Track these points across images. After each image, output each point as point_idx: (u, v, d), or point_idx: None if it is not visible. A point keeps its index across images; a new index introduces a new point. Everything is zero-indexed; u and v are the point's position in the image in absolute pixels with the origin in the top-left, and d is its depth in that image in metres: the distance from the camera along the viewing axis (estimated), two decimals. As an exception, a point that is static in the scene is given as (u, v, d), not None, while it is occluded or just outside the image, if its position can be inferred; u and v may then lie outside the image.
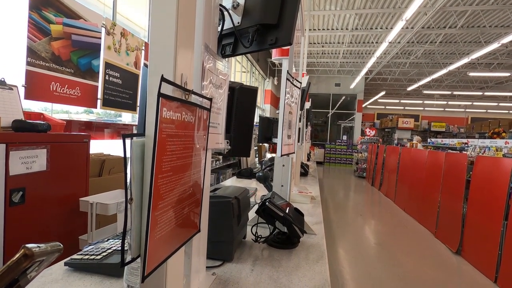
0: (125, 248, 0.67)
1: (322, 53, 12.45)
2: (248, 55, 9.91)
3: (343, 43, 10.92)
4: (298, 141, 2.81)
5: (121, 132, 4.05)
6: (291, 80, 1.34)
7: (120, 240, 0.97)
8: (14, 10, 2.48)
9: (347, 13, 8.27)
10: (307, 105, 4.27)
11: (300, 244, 1.17)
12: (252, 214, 1.34)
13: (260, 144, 6.90)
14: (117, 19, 3.72)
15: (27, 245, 0.42)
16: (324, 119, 16.71)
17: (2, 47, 2.46)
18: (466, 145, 7.70)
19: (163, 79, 0.47)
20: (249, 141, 1.11)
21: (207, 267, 0.89)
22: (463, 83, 14.96)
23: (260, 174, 1.86)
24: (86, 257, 0.84)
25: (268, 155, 6.16)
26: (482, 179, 3.58)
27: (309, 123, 5.41)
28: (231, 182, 2.92)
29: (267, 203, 1.07)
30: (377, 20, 8.69)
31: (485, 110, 17.99)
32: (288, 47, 1.78)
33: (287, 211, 1.10)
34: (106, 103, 3.26)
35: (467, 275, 3.26)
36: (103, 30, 3.11)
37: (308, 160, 5.54)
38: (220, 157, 5.10)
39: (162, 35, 0.56)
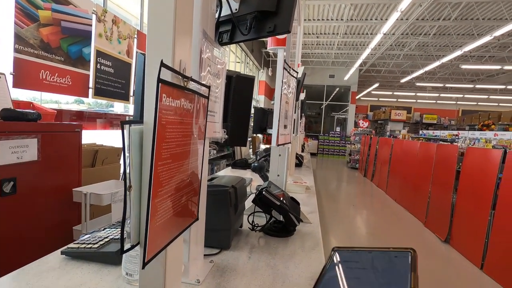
0: (124, 236, 0.67)
1: (316, 44, 12.37)
2: (243, 45, 9.79)
3: (338, 34, 10.86)
4: (293, 132, 2.82)
5: (113, 122, 4.00)
6: (288, 70, 1.33)
7: (118, 229, 0.97)
8: (0, -6, 2.38)
9: (342, 3, 8.20)
10: (302, 96, 4.26)
11: (296, 233, 1.19)
12: (247, 203, 1.35)
13: (254, 135, 6.90)
14: (108, 6, 3.62)
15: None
16: (318, 111, 16.75)
17: (-12, 33, 2.38)
18: (457, 137, 7.83)
19: (162, 65, 0.47)
20: (246, 130, 1.11)
21: (205, 255, 0.90)
22: (455, 76, 15.11)
23: (256, 164, 1.87)
24: (83, 246, 0.83)
25: (262, 146, 6.17)
26: (472, 170, 3.67)
27: (303, 114, 5.42)
28: (226, 173, 2.92)
29: (263, 192, 1.07)
30: (372, 11, 8.65)
31: (475, 103, 18.26)
32: (285, 36, 1.76)
33: (283, 200, 1.11)
34: (98, 93, 3.20)
35: (455, 263, 3.37)
36: (93, 17, 3.03)
37: (302, 151, 5.57)
38: (215, 146, 5.09)
39: (160, 20, 0.54)
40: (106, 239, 0.88)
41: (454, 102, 18.52)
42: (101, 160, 2.82)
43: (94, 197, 2.11)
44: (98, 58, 3.15)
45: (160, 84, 0.46)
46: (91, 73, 3.06)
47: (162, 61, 0.46)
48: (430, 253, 3.64)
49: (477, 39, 8.17)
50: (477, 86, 15.76)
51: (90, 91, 3.09)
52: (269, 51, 11.47)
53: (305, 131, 9.09)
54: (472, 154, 3.74)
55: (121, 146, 3.25)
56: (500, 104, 17.77)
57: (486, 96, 17.49)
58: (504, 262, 2.91)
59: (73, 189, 2.12)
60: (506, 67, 11.09)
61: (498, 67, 11.18)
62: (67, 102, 3.71)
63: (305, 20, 9.24)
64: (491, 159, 3.33)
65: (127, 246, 0.55)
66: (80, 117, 3.38)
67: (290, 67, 1.38)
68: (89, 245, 0.83)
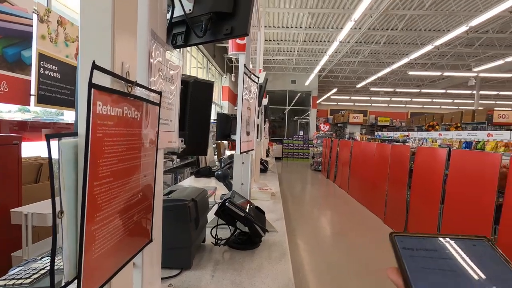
0: (60, 267, 0.56)
1: (278, 50, 12.66)
2: (204, 50, 9.66)
3: (297, 41, 11.23)
4: (257, 138, 2.79)
5: (62, 132, 3.64)
6: (248, 75, 1.30)
7: (59, 257, 0.84)
8: None
9: (300, 12, 8.50)
10: (265, 101, 4.29)
11: (262, 243, 1.14)
12: (211, 215, 1.28)
13: (219, 141, 6.79)
14: (52, 6, 3.31)
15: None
16: (281, 115, 17.09)
17: None
18: (408, 138, 8.47)
19: (95, 66, 0.39)
20: (206, 139, 1.04)
21: (162, 278, 0.81)
22: (404, 81, 16.46)
23: (219, 172, 1.80)
24: (12, 282, 0.70)
25: (227, 152, 6.09)
26: (422, 168, 3.96)
27: (267, 119, 5.45)
28: (190, 182, 2.80)
29: (227, 203, 1.01)
30: (329, 19, 9.09)
31: (422, 106, 20.06)
32: (244, 42, 1.73)
33: (248, 210, 1.06)
34: (42, 100, 2.88)
35: (411, 256, 3.59)
36: (35, 17, 2.74)
37: (267, 156, 5.60)
38: (174, 156, 4.81)
39: (95, 15, 0.47)
40: (43, 271, 0.75)
41: (404, 105, 20.15)
42: (47, 175, 2.54)
43: (38, 218, 1.87)
44: (41, 62, 2.85)
45: (92, 89, 0.39)
46: (33, 78, 2.75)
47: (94, 62, 0.39)
48: (389, 247, 3.82)
49: (420, 48, 8.98)
50: (423, 90, 17.33)
51: (32, 99, 2.78)
52: (231, 56, 11.48)
53: (269, 136, 9.19)
54: (422, 153, 4.04)
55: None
56: (442, 107, 19.73)
57: (430, 100, 19.29)
58: (454, 252, 3.15)
59: (11, 210, 1.86)
60: (446, 74, 12.35)
61: (439, 73, 12.40)
62: (10, 111, 3.31)
63: (265, 27, 9.40)
64: (438, 157, 3.62)
65: (63, 281, 0.46)
66: (23, 127, 3.03)
67: (250, 72, 1.35)
68: (20, 281, 0.70)
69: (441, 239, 0.34)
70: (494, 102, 18.64)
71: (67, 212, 0.45)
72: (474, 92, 13.80)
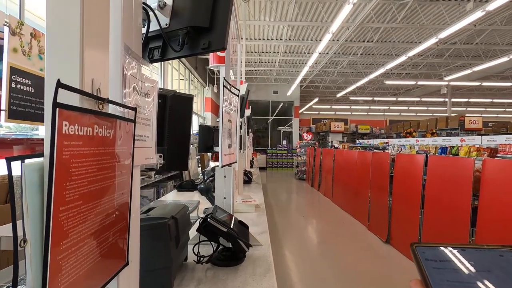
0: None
1: (259, 62, 12.85)
2: (186, 62, 9.64)
3: (278, 52, 11.46)
4: (240, 149, 2.78)
5: (36, 148, 3.48)
6: (228, 88, 1.30)
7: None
8: None
9: (280, 24, 8.72)
10: (247, 112, 4.30)
11: (246, 258, 1.12)
12: (194, 231, 1.24)
13: (202, 153, 6.70)
14: (25, 18, 3.21)
15: None
16: (264, 126, 17.21)
17: None
18: (387, 144, 8.73)
19: (60, 85, 0.37)
20: (186, 153, 1.02)
21: (141, 302, 0.77)
22: (381, 90, 17.10)
23: (202, 186, 1.77)
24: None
25: (211, 164, 6.01)
26: (402, 174, 4.07)
27: (250, 130, 5.46)
28: (172, 196, 2.73)
29: (208, 219, 0.99)
30: (308, 32, 9.36)
31: (399, 113, 20.84)
32: (224, 54, 1.74)
33: (230, 225, 1.04)
34: (14, 115, 2.75)
35: (395, 261, 3.64)
36: (6, 29, 2.64)
37: (251, 166, 5.58)
38: (152, 173, 4.58)
39: (61, 30, 0.45)
40: (7, 303, 0.69)
41: (382, 113, 20.86)
42: (18, 194, 2.39)
43: (6, 241, 1.75)
44: (13, 76, 2.73)
45: (57, 109, 0.37)
46: (4, 93, 2.63)
47: (58, 80, 0.37)
48: (374, 254, 3.87)
49: (395, 58, 9.39)
50: (399, 99, 18.05)
51: (3, 114, 2.65)
52: (213, 68, 11.49)
53: (253, 146, 9.21)
54: (401, 159, 4.16)
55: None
56: (418, 114, 20.59)
57: (407, 108, 20.09)
58: (436, 256, 3.23)
59: (-24, 234, 1.73)
60: (419, 82, 12.96)
61: (413, 82, 12.99)
62: (-22, 127, 3.14)
63: (246, 39, 9.55)
64: (416, 163, 3.74)
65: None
66: (-8, 143, 2.87)
67: (230, 84, 1.35)
68: (-20, 316, 0.64)
69: (464, 249, 0.33)
70: (465, 108, 19.68)
71: (31, 240, 0.42)
72: (447, 99, 14.54)
